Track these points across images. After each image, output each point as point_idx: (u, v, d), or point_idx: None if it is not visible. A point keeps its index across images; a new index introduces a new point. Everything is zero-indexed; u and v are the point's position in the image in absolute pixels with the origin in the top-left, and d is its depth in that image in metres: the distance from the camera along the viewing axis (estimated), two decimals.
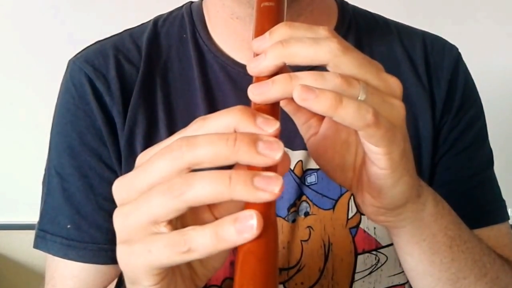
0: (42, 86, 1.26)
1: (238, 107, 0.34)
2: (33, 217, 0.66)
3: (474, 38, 1.40)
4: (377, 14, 0.73)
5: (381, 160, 0.39)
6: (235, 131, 0.34)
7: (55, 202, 0.63)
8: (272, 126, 0.33)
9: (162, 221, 0.33)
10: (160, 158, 0.33)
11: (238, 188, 0.31)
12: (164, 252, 0.33)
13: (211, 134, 0.33)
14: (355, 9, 0.71)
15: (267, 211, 0.33)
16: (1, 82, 1.45)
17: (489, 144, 0.70)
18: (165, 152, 0.33)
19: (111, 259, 0.61)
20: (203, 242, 0.32)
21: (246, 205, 0.33)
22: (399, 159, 0.40)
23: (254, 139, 0.32)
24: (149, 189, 0.33)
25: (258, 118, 0.34)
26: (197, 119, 0.35)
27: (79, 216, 0.61)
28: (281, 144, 0.32)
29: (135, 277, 0.36)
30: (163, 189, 0.32)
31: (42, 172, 0.66)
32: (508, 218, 0.68)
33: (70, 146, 0.62)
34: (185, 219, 0.37)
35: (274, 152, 0.32)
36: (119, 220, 0.35)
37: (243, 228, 0.31)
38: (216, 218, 0.37)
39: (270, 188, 0.31)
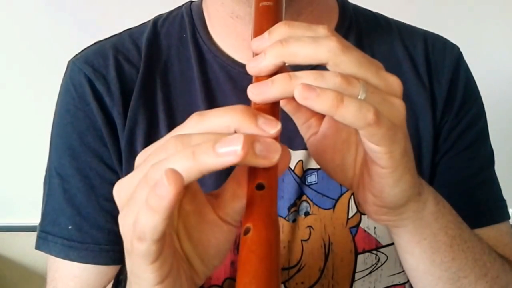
0: (43, 86, 1.26)
1: (239, 106, 0.34)
2: (35, 219, 0.66)
3: (475, 38, 1.40)
4: (378, 13, 0.72)
5: (382, 159, 0.39)
6: (235, 132, 0.34)
7: (56, 203, 0.63)
8: (273, 127, 0.34)
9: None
10: (154, 158, 0.34)
11: (201, 158, 0.32)
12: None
13: (207, 135, 0.33)
14: (356, 8, 0.71)
15: (268, 209, 0.32)
16: (2, 83, 1.46)
17: (490, 143, 0.70)
18: (159, 151, 0.34)
19: (112, 260, 0.61)
20: (144, 220, 0.31)
21: (247, 203, 0.33)
22: (400, 158, 0.40)
23: (251, 141, 0.32)
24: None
25: (259, 119, 0.34)
26: (194, 114, 0.35)
27: (80, 217, 0.61)
28: (278, 145, 0.33)
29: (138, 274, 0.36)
30: (142, 183, 0.33)
31: (44, 173, 0.66)
32: (509, 218, 0.68)
33: (70, 147, 0.62)
34: (188, 220, 0.37)
35: (272, 154, 0.33)
36: (120, 224, 0.35)
37: (161, 190, 0.30)
38: (221, 218, 0.37)
39: (232, 149, 0.31)
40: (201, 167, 0.32)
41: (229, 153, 0.31)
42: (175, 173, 0.30)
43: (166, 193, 0.30)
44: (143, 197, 0.32)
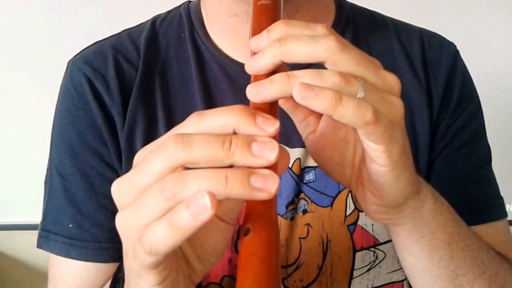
0: (43, 86, 1.26)
1: (238, 106, 0.34)
2: (37, 217, 0.66)
3: (472, 35, 1.41)
4: (375, 11, 0.72)
5: (381, 157, 0.39)
6: (234, 131, 0.34)
7: (57, 202, 0.63)
8: (272, 125, 0.34)
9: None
10: (154, 157, 0.33)
11: (235, 187, 0.31)
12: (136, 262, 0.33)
13: (207, 135, 0.33)
14: (353, 6, 0.71)
15: (268, 210, 0.32)
16: (2, 83, 1.46)
17: (487, 141, 0.70)
18: (159, 150, 0.33)
19: (113, 257, 0.61)
20: (162, 236, 0.31)
21: (247, 204, 0.33)
22: (399, 156, 0.40)
23: (248, 141, 0.32)
24: (144, 190, 0.33)
25: (258, 117, 0.34)
26: (193, 114, 0.35)
27: (81, 215, 0.62)
28: (275, 144, 0.33)
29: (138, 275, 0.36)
30: (156, 190, 0.32)
31: (45, 172, 0.66)
32: (506, 215, 0.68)
33: (70, 146, 0.62)
34: None
35: (269, 153, 0.32)
36: (119, 225, 0.35)
37: (197, 211, 0.30)
38: (217, 216, 0.37)
39: (267, 187, 0.31)
40: (230, 194, 0.31)
41: (263, 189, 0.31)
42: (214, 197, 0.30)
43: (204, 216, 0.30)
44: (156, 205, 0.32)
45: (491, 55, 1.46)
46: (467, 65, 0.70)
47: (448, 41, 0.71)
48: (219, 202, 0.37)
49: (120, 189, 0.36)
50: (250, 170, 0.32)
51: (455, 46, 0.71)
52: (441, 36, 0.71)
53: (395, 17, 0.73)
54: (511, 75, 1.48)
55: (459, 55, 0.70)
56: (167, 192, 0.32)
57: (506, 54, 1.48)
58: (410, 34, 0.69)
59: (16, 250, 1.56)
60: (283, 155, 0.34)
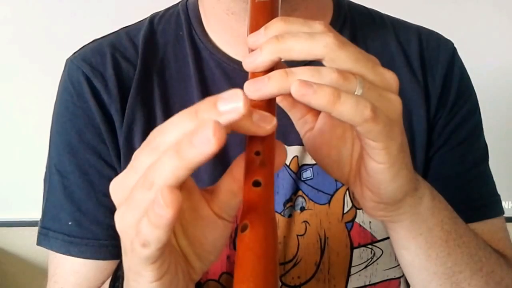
0: (42, 84, 1.26)
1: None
2: (36, 214, 0.66)
3: (470, 33, 1.41)
4: (373, 9, 0.73)
5: (379, 154, 0.39)
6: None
7: (56, 199, 0.63)
8: (269, 122, 0.34)
9: None
10: (141, 153, 0.34)
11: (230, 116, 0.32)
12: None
13: (179, 115, 0.33)
14: (351, 4, 0.71)
15: (265, 206, 0.32)
16: (1, 82, 1.46)
17: (484, 138, 0.70)
18: (144, 145, 0.34)
19: (111, 254, 0.62)
20: (149, 229, 0.31)
21: (244, 200, 0.33)
22: (397, 153, 0.40)
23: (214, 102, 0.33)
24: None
25: (255, 115, 0.34)
26: (182, 111, 0.35)
27: (80, 213, 0.62)
28: (273, 118, 0.34)
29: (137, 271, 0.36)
30: (140, 182, 0.33)
31: (44, 169, 0.67)
32: (503, 213, 0.68)
33: (69, 144, 0.63)
34: (183, 217, 0.37)
35: (266, 124, 0.33)
36: (117, 223, 0.35)
37: (200, 141, 0.30)
38: (215, 214, 0.37)
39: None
40: (197, 149, 0.31)
41: (231, 110, 0.31)
42: (171, 192, 0.30)
43: (165, 214, 0.30)
44: (141, 200, 0.32)
45: (489, 52, 1.46)
46: (464, 63, 0.70)
47: (446, 39, 0.71)
48: (218, 200, 0.37)
49: (116, 187, 0.36)
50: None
51: (453, 44, 0.71)
52: (439, 34, 0.71)
53: (393, 15, 0.73)
54: (508, 72, 1.48)
55: (457, 53, 0.70)
56: (147, 181, 0.32)
57: (504, 51, 1.48)
58: (408, 32, 0.70)
59: (16, 246, 1.57)
60: (280, 150, 0.34)
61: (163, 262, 0.35)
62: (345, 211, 0.63)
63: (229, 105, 0.31)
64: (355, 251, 0.63)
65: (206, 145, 0.30)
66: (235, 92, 0.32)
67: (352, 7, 0.71)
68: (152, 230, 0.31)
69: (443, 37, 0.71)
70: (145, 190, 0.32)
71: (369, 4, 0.73)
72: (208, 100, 0.33)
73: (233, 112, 0.31)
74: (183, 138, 0.31)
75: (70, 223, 0.62)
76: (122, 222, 0.34)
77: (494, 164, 0.70)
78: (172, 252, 0.37)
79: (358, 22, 0.69)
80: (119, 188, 0.35)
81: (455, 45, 0.71)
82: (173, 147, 0.32)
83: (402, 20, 0.72)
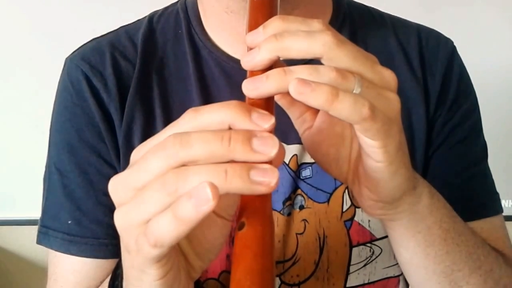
0: (42, 84, 1.26)
1: (233, 102, 0.34)
2: (36, 213, 0.66)
3: (469, 32, 1.40)
4: (373, 8, 0.72)
5: (377, 153, 0.39)
6: (229, 127, 0.34)
7: (56, 198, 0.63)
8: (267, 121, 0.34)
9: None
10: (153, 156, 0.33)
11: (234, 181, 0.31)
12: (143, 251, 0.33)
13: (205, 132, 0.33)
14: (350, 3, 0.71)
15: (263, 204, 0.33)
16: (2, 80, 1.46)
17: (483, 137, 0.70)
18: (158, 149, 0.33)
19: (111, 253, 0.62)
20: (166, 228, 0.31)
21: (242, 198, 0.33)
22: (395, 152, 0.40)
23: (248, 137, 0.32)
24: (143, 186, 0.33)
25: (253, 113, 0.34)
26: (189, 110, 0.35)
27: (80, 211, 0.62)
28: (276, 140, 0.33)
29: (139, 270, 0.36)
30: (157, 186, 0.32)
31: (44, 167, 0.67)
32: (502, 211, 0.68)
33: (69, 143, 0.63)
34: None
35: (269, 148, 0.32)
36: (119, 221, 0.35)
37: (199, 202, 0.30)
38: (214, 212, 0.37)
39: (266, 181, 0.31)
40: (230, 189, 0.31)
41: (262, 183, 0.31)
42: (216, 188, 0.30)
43: (206, 207, 0.30)
44: (158, 200, 0.32)
45: (489, 51, 1.45)
46: (464, 62, 0.70)
47: (446, 38, 0.71)
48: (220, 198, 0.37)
49: (118, 186, 0.35)
50: (249, 164, 0.32)
51: (453, 43, 0.71)
52: (439, 32, 0.71)
53: (393, 14, 0.73)
54: (508, 71, 1.48)
55: (456, 52, 0.70)
56: (168, 187, 0.32)
57: (503, 50, 1.48)
58: (408, 30, 0.70)
59: (16, 245, 1.57)
60: (279, 150, 0.34)
61: (168, 260, 0.35)
62: (344, 210, 0.63)
63: (262, 178, 0.32)
64: (354, 250, 0.63)
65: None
66: (271, 169, 0.32)
67: (352, 6, 0.71)
68: (172, 227, 0.31)
69: (442, 35, 0.71)
70: (164, 194, 0.32)
71: (369, 3, 0.73)
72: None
73: (265, 186, 0.32)
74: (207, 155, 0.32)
75: (69, 222, 0.62)
76: (125, 219, 0.34)
77: (494, 162, 0.70)
78: (174, 250, 0.37)
79: (357, 21, 0.69)
80: (121, 187, 0.35)
81: (455, 44, 0.71)
82: (202, 169, 0.32)
83: (402, 19, 0.72)
